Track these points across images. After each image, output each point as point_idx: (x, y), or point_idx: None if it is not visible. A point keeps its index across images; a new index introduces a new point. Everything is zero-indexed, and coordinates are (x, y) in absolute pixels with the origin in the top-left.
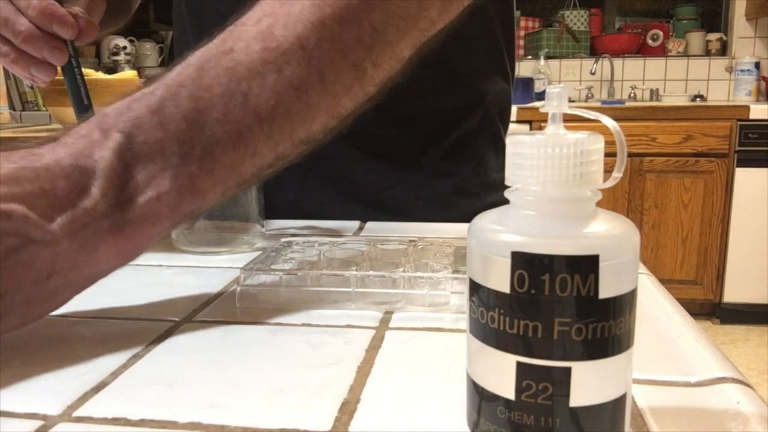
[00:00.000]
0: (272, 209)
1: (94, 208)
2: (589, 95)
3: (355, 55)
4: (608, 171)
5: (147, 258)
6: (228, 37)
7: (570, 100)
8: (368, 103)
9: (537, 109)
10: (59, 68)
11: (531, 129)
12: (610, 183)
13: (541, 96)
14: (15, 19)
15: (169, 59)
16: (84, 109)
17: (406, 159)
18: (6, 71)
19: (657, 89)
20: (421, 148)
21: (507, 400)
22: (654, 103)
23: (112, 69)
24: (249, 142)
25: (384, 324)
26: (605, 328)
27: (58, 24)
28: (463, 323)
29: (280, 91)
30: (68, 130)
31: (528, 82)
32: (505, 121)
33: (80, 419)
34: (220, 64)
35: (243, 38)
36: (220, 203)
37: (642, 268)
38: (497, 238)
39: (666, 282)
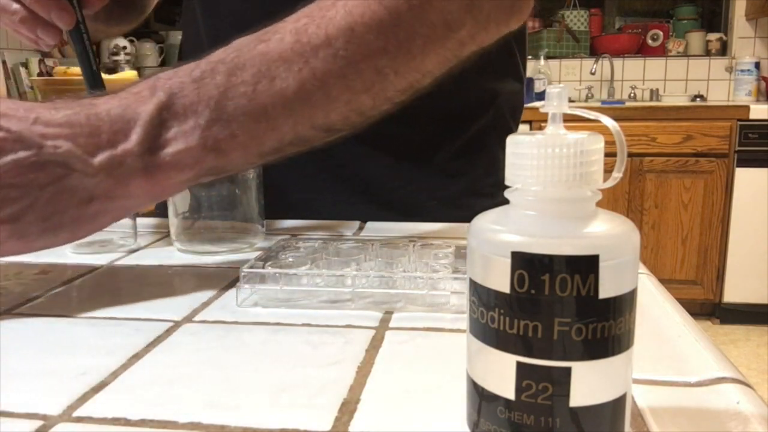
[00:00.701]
0: (284, 208)
1: (130, 150)
2: (589, 95)
3: (378, 61)
4: (608, 171)
5: (147, 258)
6: (268, 30)
7: (570, 100)
8: (393, 106)
9: (537, 109)
10: (67, 35)
11: (531, 129)
12: (610, 183)
13: (541, 96)
14: None
15: (179, 59)
16: (92, 74)
17: (418, 158)
18: (6, 70)
19: (657, 89)
20: (433, 148)
21: (507, 400)
22: (654, 103)
23: (112, 69)
24: (271, 118)
25: (384, 324)
26: (605, 328)
27: None
28: (463, 323)
29: (303, 79)
30: (126, 87)
31: (528, 82)
32: (517, 120)
33: (80, 419)
34: (256, 49)
35: (280, 31)
36: (220, 203)
37: (642, 268)
38: (497, 238)
39: (666, 282)
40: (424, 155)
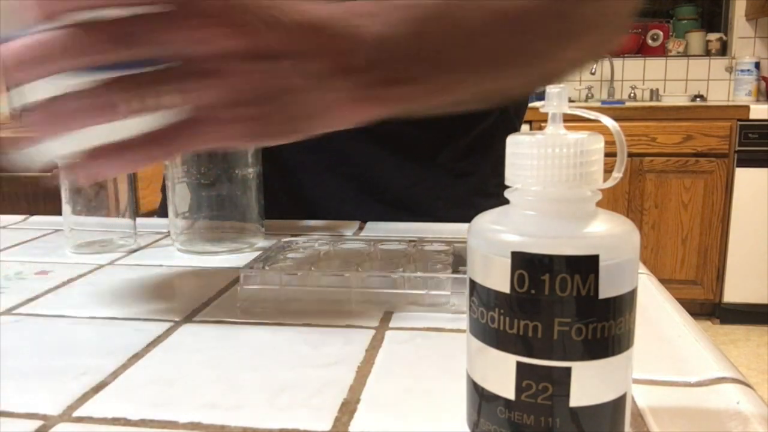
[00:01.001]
0: (294, 208)
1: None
2: (589, 95)
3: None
4: (608, 171)
5: (147, 258)
6: None
7: (570, 100)
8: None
9: (537, 109)
10: None
11: (531, 129)
12: (610, 183)
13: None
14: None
15: None
16: None
17: (425, 158)
18: None
19: (657, 89)
20: (440, 147)
21: (507, 400)
22: (654, 103)
23: None
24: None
25: (384, 324)
26: (605, 328)
27: None
28: (463, 323)
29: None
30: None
31: None
32: (522, 120)
33: (80, 419)
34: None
35: None
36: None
37: (642, 268)
38: (497, 238)
39: (666, 282)
40: (430, 154)
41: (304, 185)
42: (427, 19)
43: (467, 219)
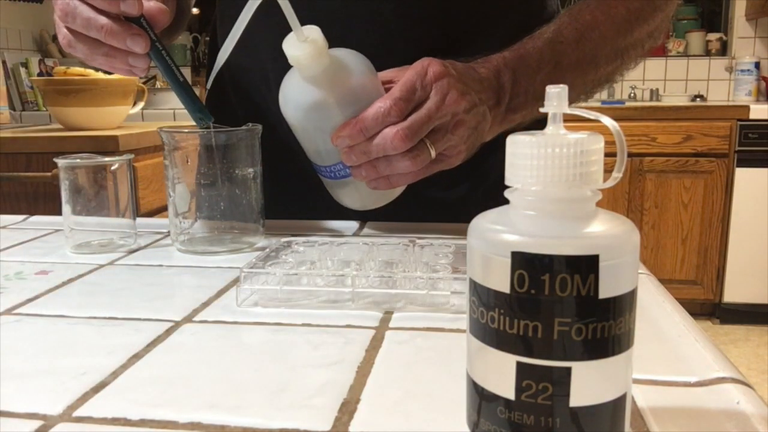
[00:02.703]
0: (287, 206)
1: (501, 109)
2: None
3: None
4: (608, 171)
5: (147, 258)
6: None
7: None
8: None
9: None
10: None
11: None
12: (610, 183)
13: None
14: (95, 17)
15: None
16: (180, 86)
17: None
18: (6, 71)
19: (657, 89)
20: None
21: (507, 400)
22: (654, 103)
23: None
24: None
25: (384, 324)
26: (605, 328)
27: (123, 3)
28: (463, 323)
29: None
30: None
31: None
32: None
33: (80, 419)
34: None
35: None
36: (220, 203)
37: (642, 268)
38: (497, 238)
39: (666, 282)
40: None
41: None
42: (527, 64)
43: (468, 219)
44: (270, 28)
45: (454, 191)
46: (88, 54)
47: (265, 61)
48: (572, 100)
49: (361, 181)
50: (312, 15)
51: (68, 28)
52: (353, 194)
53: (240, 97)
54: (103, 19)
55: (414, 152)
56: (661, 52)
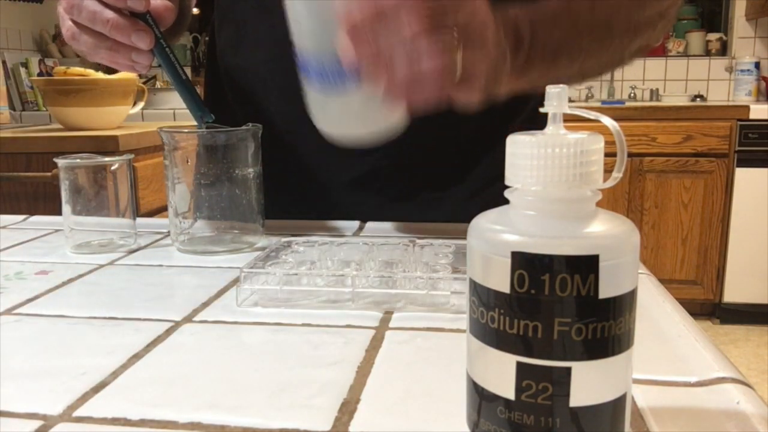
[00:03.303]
0: (319, 209)
1: (519, 55)
2: (589, 95)
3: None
4: (608, 171)
5: (147, 258)
6: None
7: (570, 100)
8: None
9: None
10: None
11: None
12: (610, 183)
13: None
14: (101, 11)
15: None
16: (183, 84)
17: (461, 161)
18: (6, 71)
19: (657, 89)
20: (473, 149)
21: (507, 400)
22: (654, 103)
23: (112, 69)
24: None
25: (384, 324)
26: (605, 328)
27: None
28: (463, 323)
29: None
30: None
31: None
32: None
33: (80, 419)
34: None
35: None
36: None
37: (642, 268)
38: (497, 238)
39: (666, 282)
40: (464, 155)
41: (343, 190)
42: (544, 19)
43: (468, 218)
44: (267, 30)
45: (451, 192)
46: (91, 47)
47: (262, 62)
48: (588, 70)
49: (363, 87)
50: None
51: (73, 21)
52: (343, 111)
53: (238, 97)
54: (109, 13)
55: (437, 41)
56: (661, 52)
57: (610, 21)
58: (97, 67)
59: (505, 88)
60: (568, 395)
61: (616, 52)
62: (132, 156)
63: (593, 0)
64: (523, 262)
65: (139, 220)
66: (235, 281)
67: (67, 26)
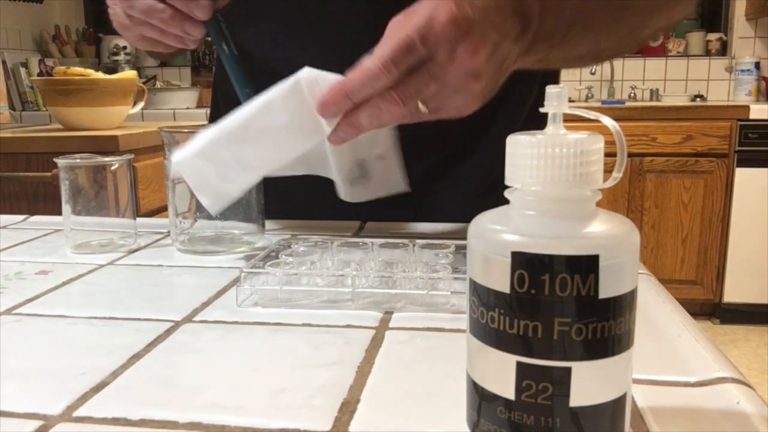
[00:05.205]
0: (319, 209)
1: (527, 35)
2: (589, 95)
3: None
4: (608, 171)
5: (147, 258)
6: None
7: (570, 100)
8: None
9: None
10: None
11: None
12: (610, 183)
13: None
14: None
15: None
16: (233, 58)
17: (458, 158)
18: (6, 70)
19: (657, 89)
20: (473, 145)
21: (507, 400)
22: (654, 103)
23: (112, 69)
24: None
25: (384, 324)
26: (605, 328)
27: None
28: (463, 323)
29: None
30: None
31: None
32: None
33: (80, 419)
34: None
35: None
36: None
37: (642, 268)
38: (497, 238)
39: (666, 282)
40: (465, 154)
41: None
42: None
43: (468, 218)
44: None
45: (451, 192)
46: (146, 14)
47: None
48: (604, 48)
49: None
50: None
51: None
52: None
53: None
54: None
55: (404, 112)
56: (661, 52)
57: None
58: (97, 66)
59: (513, 68)
60: (568, 395)
61: (634, 30)
62: (132, 156)
63: None
64: (523, 262)
65: (139, 220)
66: (235, 281)
67: None
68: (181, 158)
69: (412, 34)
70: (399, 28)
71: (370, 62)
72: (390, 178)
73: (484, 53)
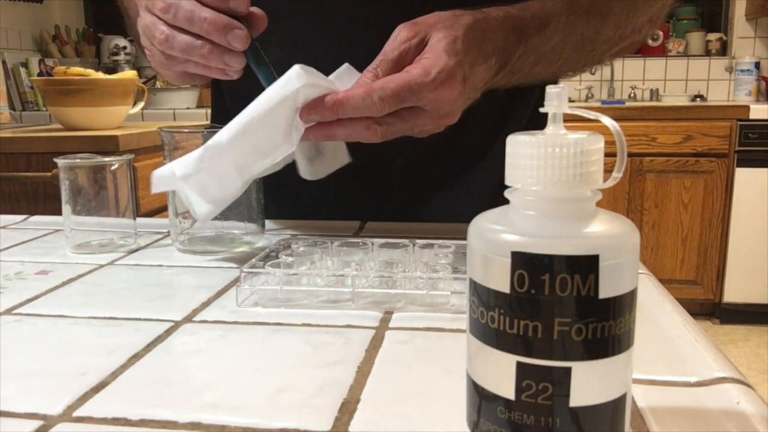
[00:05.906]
0: (319, 209)
1: (505, 70)
2: (589, 95)
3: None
4: (608, 171)
5: (147, 258)
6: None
7: (570, 100)
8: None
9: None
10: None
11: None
12: (610, 183)
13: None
14: (199, 12)
15: None
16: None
17: (466, 163)
18: (6, 70)
19: (657, 89)
20: (483, 148)
21: (507, 400)
22: (654, 103)
23: (112, 69)
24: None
25: (384, 324)
26: (605, 328)
27: (233, 0)
28: (463, 323)
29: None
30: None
31: None
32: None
33: (80, 419)
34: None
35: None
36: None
37: (642, 268)
38: (497, 238)
39: (666, 282)
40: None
41: (347, 188)
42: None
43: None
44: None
45: (452, 192)
46: (186, 52)
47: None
48: (563, 74)
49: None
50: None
51: (168, 24)
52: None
53: (235, 99)
54: (207, 11)
55: (377, 140)
56: (661, 52)
57: (596, 36)
58: (97, 66)
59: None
60: (568, 395)
61: (596, 58)
62: (132, 156)
63: (585, 20)
64: (523, 262)
65: (139, 220)
66: (235, 281)
67: (160, 30)
68: (183, 174)
69: (414, 87)
70: (405, 50)
71: (372, 91)
72: (338, 153)
73: (462, 103)
